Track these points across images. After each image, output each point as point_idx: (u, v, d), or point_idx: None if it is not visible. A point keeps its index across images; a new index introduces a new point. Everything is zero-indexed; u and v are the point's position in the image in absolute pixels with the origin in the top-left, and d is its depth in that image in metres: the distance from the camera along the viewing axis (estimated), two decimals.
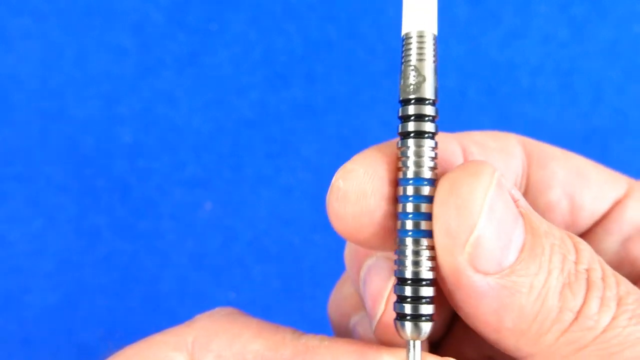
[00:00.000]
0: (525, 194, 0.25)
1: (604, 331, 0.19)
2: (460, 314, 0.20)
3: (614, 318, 0.19)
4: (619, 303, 0.19)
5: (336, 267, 0.27)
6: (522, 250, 0.19)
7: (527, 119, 0.49)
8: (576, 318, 0.19)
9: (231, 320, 0.21)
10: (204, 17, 0.49)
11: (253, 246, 0.47)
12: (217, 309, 0.23)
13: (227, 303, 0.25)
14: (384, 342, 0.21)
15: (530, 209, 0.20)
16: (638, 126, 0.49)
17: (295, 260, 0.47)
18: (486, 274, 0.18)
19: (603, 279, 0.20)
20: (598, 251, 0.25)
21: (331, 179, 0.26)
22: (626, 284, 0.20)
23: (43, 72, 0.48)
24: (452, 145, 0.22)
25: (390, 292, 0.21)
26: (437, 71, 0.19)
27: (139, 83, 0.48)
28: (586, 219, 0.25)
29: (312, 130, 0.48)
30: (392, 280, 0.21)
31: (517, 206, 0.19)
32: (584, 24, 0.50)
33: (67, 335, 0.46)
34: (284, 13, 0.49)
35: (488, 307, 0.19)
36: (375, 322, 0.22)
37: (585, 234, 0.26)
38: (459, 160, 0.22)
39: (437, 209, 0.19)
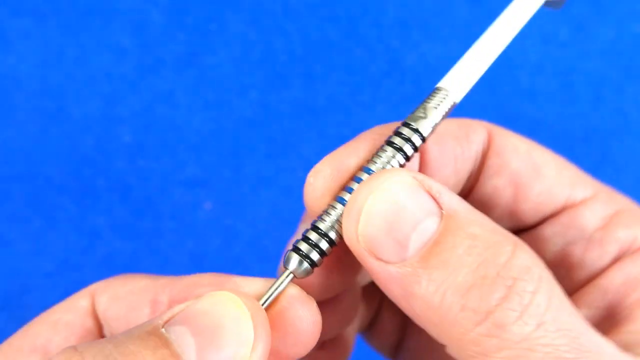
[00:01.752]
0: (478, 176, 0.26)
1: (513, 348, 0.19)
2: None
3: (527, 339, 0.19)
4: (541, 326, 0.19)
5: None
6: (426, 244, 0.20)
7: (527, 119, 0.49)
8: (482, 321, 0.19)
9: (131, 274, 0.25)
10: (204, 17, 0.49)
11: (253, 246, 0.47)
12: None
13: None
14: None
15: (465, 211, 0.20)
16: (638, 126, 0.49)
17: None
18: (387, 262, 0.20)
19: (533, 293, 0.19)
20: (538, 247, 0.26)
21: None
22: (559, 312, 0.19)
23: (43, 72, 0.48)
24: None
25: None
26: (438, 125, 0.23)
27: (139, 83, 0.48)
28: (530, 211, 0.26)
29: (312, 130, 0.48)
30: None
31: (440, 207, 0.20)
32: (584, 24, 0.50)
33: None
34: (284, 13, 0.49)
35: (395, 292, 0.20)
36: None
37: (531, 228, 0.26)
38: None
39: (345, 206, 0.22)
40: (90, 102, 0.48)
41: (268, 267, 0.47)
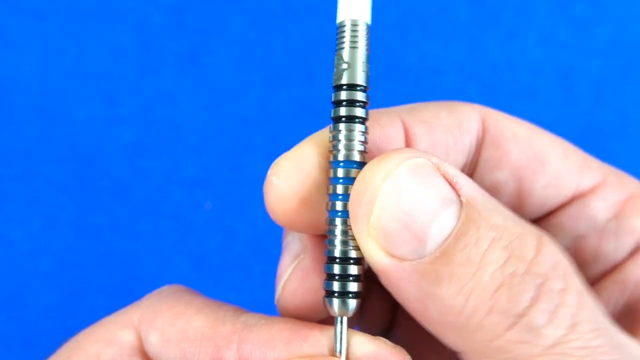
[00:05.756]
0: (475, 171, 0.24)
1: (545, 354, 0.17)
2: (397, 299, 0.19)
3: (560, 343, 0.17)
4: (574, 327, 0.17)
5: None
6: (447, 239, 0.17)
7: (527, 119, 0.49)
8: (512, 326, 0.17)
9: (176, 298, 0.22)
10: (204, 17, 0.49)
11: (253, 246, 0.47)
12: (165, 287, 0.23)
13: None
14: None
15: (482, 197, 0.18)
16: (638, 126, 0.49)
17: None
18: (402, 259, 0.18)
19: (563, 292, 0.17)
20: None
21: None
22: (592, 311, 0.18)
23: (43, 72, 0.48)
24: (394, 129, 0.22)
25: (288, 278, 0.22)
26: (369, 59, 0.19)
27: (139, 83, 0.48)
28: (534, 206, 0.23)
29: (312, 130, 0.48)
30: (292, 266, 0.21)
31: (458, 194, 0.18)
32: (584, 24, 0.50)
33: (67, 335, 0.45)
34: (284, 13, 0.49)
35: (409, 294, 0.18)
36: (275, 299, 0.22)
37: (536, 223, 0.24)
38: (397, 144, 0.22)
39: (350, 195, 0.19)
40: (90, 102, 0.48)
41: (268, 267, 0.47)
